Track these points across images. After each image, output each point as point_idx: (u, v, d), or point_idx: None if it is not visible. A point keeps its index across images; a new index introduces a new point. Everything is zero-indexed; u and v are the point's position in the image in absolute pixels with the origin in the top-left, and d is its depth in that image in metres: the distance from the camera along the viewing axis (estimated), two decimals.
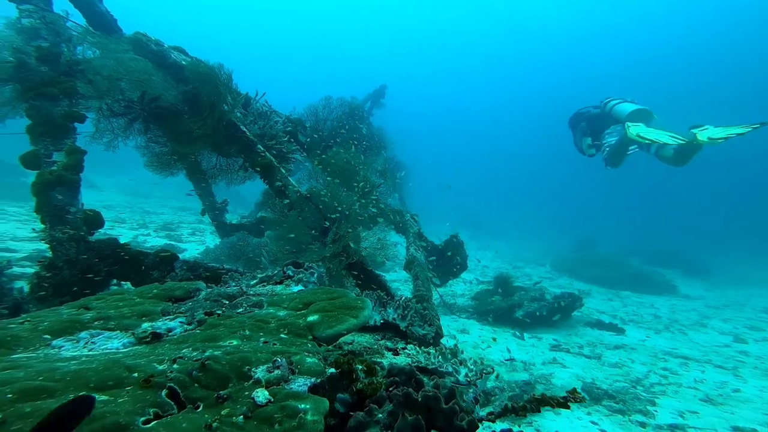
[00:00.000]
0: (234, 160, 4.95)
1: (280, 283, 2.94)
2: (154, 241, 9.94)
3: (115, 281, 3.62)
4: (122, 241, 9.47)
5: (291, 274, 2.97)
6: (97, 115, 3.83)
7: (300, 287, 2.87)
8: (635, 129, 5.95)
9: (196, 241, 10.37)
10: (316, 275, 3.07)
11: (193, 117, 4.41)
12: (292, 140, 5.81)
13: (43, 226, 3.39)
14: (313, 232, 4.91)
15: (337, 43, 68.72)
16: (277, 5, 66.73)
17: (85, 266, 3.36)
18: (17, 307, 3.17)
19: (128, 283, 3.61)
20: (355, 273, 4.89)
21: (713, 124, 5.70)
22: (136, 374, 1.32)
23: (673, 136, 5.75)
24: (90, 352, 1.57)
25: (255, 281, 2.78)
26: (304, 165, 5.48)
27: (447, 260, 7.61)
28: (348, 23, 67.39)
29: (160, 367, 1.37)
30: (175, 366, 1.37)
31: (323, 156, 5.08)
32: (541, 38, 59.91)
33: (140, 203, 17.77)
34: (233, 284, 2.61)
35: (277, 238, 4.78)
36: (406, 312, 2.73)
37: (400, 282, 10.13)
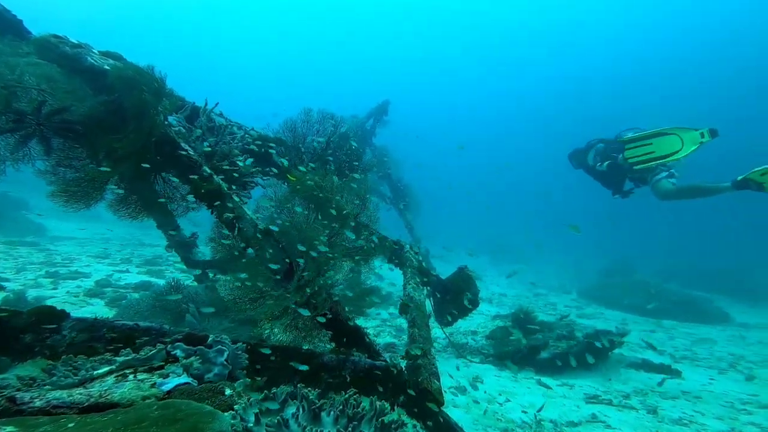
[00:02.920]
0: (175, 185, 4.00)
1: (160, 368, 1.89)
2: (132, 278, 9.03)
3: None
4: (94, 278, 8.65)
5: (180, 355, 1.92)
6: None
7: (184, 379, 1.80)
8: None
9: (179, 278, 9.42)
10: (225, 355, 1.99)
11: (116, 132, 3.49)
12: (262, 163, 4.85)
13: None
14: (276, 275, 3.85)
15: (340, 62, 69.83)
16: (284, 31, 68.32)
17: None
18: None
19: None
20: (328, 326, 3.79)
21: None
22: None
23: None
24: None
25: (105, 369, 1.73)
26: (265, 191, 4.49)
27: (454, 297, 6.43)
28: (351, 41, 68.47)
29: None
30: None
31: (288, 176, 4.07)
32: (559, 44, 59.18)
33: (141, 235, 17.10)
34: (56, 375, 1.56)
35: (226, 284, 3.74)
36: (351, 425, 1.60)
37: None
